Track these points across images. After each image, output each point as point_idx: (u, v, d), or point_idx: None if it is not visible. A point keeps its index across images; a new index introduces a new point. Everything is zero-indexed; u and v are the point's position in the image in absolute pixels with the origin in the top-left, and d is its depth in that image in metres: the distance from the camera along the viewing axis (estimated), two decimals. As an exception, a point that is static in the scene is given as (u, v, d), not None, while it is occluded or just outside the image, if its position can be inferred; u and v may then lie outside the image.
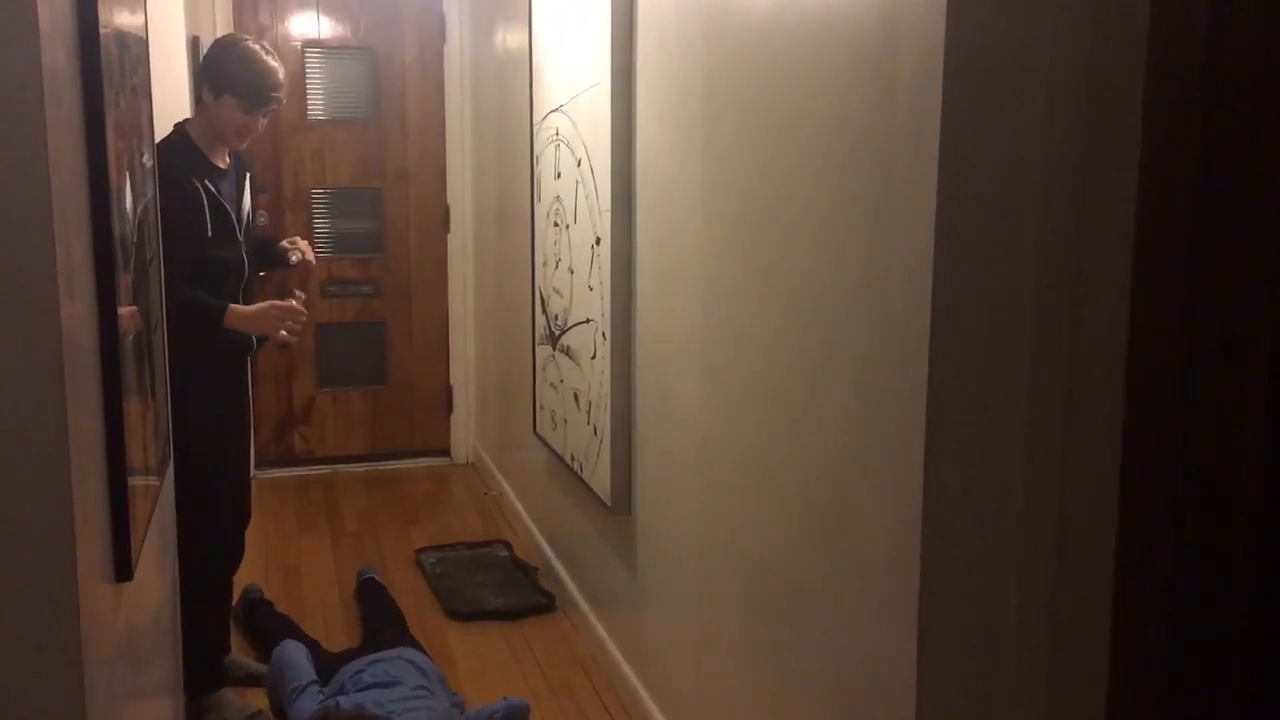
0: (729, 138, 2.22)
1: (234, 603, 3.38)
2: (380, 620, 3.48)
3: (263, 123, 2.98)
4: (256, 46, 2.94)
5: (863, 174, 1.70)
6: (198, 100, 2.99)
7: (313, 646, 3.15)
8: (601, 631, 3.32)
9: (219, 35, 4.69)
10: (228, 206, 2.92)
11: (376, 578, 3.82)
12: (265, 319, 2.94)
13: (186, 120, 3.02)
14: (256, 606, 3.55)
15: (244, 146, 3.05)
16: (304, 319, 3.03)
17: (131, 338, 1.75)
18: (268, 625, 3.42)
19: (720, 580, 2.39)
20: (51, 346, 1.29)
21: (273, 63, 2.93)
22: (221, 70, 2.88)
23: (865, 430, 1.73)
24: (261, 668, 3.19)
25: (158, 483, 2.10)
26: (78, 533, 1.34)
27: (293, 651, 2.99)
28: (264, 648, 3.25)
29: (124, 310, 1.65)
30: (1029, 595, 1.60)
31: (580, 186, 3.17)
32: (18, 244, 1.26)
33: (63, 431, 1.31)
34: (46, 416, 1.29)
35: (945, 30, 1.48)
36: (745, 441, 2.21)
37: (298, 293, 3.07)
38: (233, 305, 2.90)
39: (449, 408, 5.46)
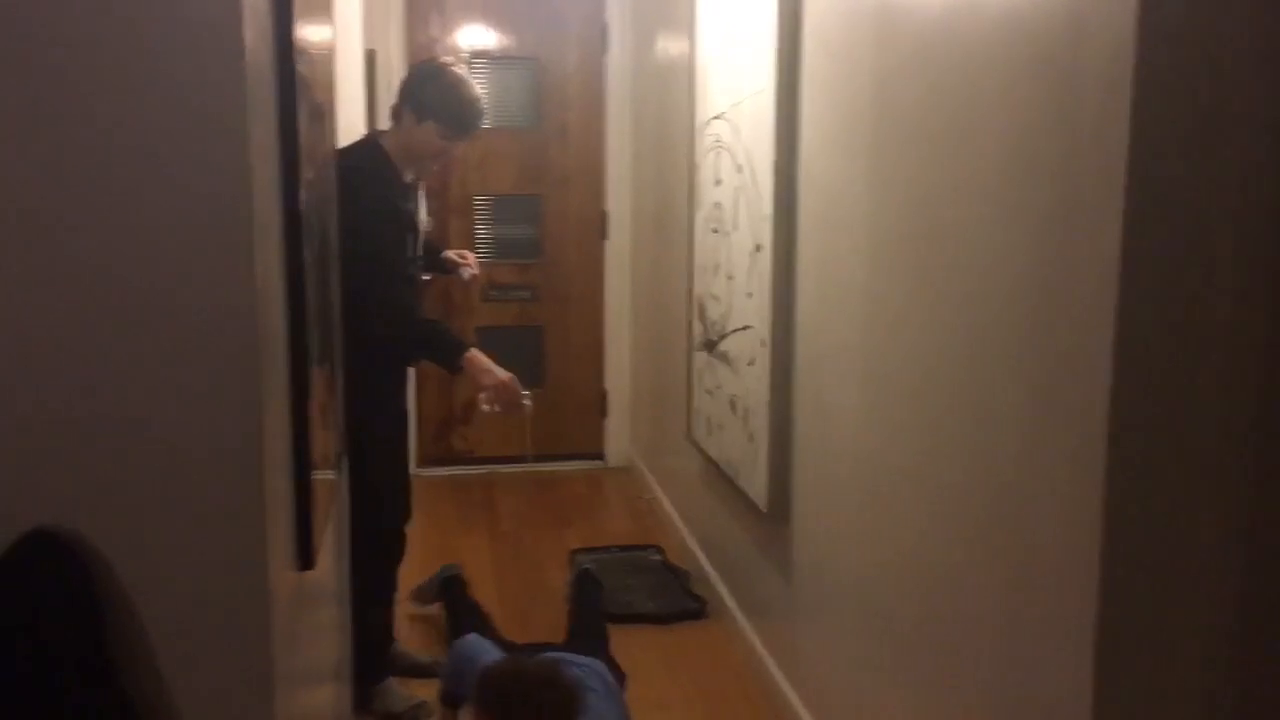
0: (898, 144, 2.19)
1: (433, 579, 3.53)
2: (587, 627, 3.40)
3: (458, 150, 3.02)
4: (461, 73, 2.94)
5: (1043, 184, 1.65)
6: (393, 118, 2.99)
7: (498, 641, 3.10)
8: (754, 640, 3.31)
9: (394, 49, 4.88)
10: (416, 222, 3.02)
11: (596, 574, 3.78)
12: (493, 379, 2.92)
13: (380, 133, 3.07)
14: (453, 584, 3.58)
15: (436, 169, 3.10)
16: (511, 411, 2.98)
17: (316, 338, 1.84)
18: (457, 606, 3.44)
19: (881, 594, 2.35)
20: (249, 351, 1.36)
21: (477, 91, 2.94)
22: (428, 96, 2.88)
23: (1041, 446, 1.68)
24: (425, 658, 3.29)
25: (334, 478, 2.19)
26: (268, 523, 1.42)
27: (476, 639, 2.95)
28: (453, 627, 3.26)
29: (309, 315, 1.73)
30: (1218, 626, 1.52)
31: (741, 193, 3.17)
32: (223, 255, 1.33)
33: (257, 428, 1.38)
34: (243, 414, 1.37)
35: (1136, 30, 1.42)
36: (911, 454, 2.17)
37: (530, 397, 3.01)
38: (474, 350, 2.94)
39: (603, 412, 5.53)
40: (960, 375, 1.95)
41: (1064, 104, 1.59)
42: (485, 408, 2.98)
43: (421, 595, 3.69)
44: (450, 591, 3.59)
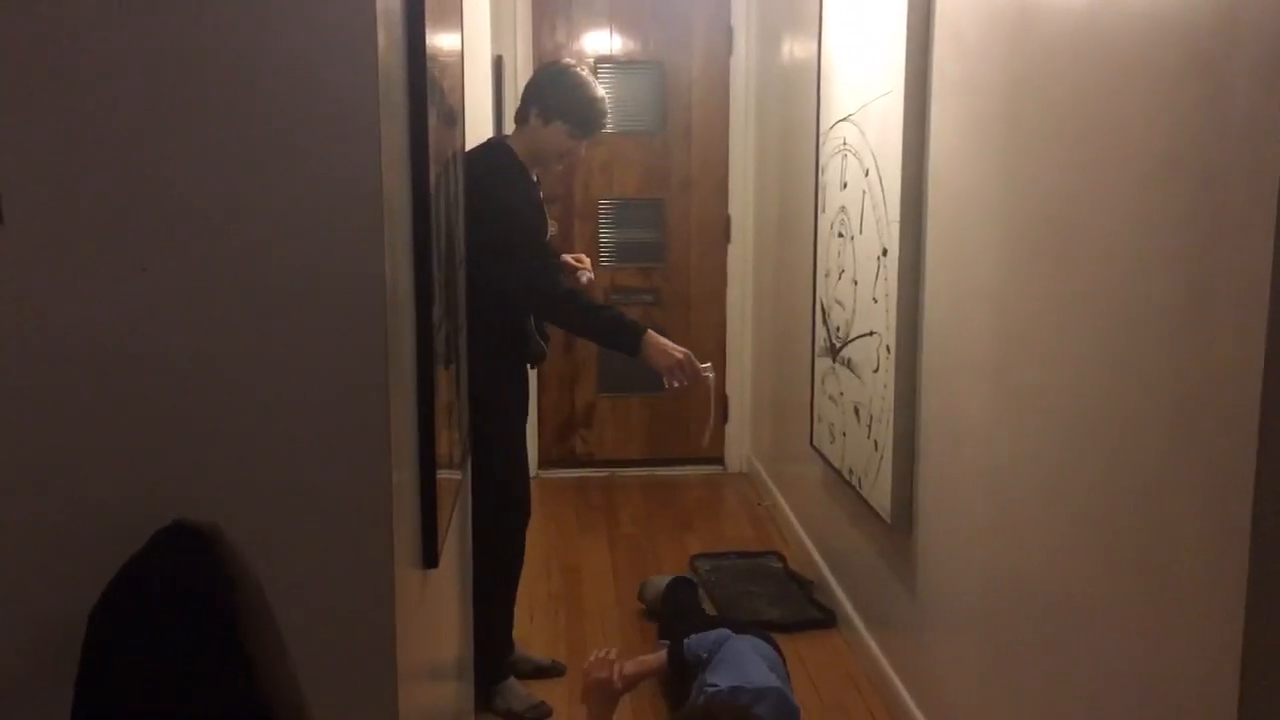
0: (1033, 145, 2.12)
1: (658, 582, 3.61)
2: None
3: (584, 149, 3.05)
4: (586, 74, 2.99)
5: (1190, 189, 1.58)
6: (518, 121, 3.04)
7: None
8: (877, 651, 3.25)
9: (520, 55, 4.95)
10: (546, 221, 3.06)
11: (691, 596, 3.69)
12: (670, 359, 2.97)
13: (507, 136, 3.13)
14: (683, 586, 3.56)
15: (559, 170, 3.15)
16: (695, 383, 3.03)
17: (442, 339, 1.87)
18: (686, 606, 3.46)
19: (1010, 607, 2.28)
20: (378, 351, 1.39)
21: (600, 90, 2.98)
22: (554, 96, 2.93)
23: (1186, 460, 1.60)
24: (545, 660, 3.32)
25: (458, 477, 2.22)
26: (395, 520, 1.44)
27: (742, 646, 2.85)
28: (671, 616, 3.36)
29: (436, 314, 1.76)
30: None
31: (867, 197, 3.12)
32: (355, 256, 1.36)
33: (385, 427, 1.40)
34: (372, 414, 1.40)
35: (1292, 25, 1.35)
36: (1044, 465, 2.10)
37: (711, 367, 3.08)
38: (651, 331, 2.99)
39: (724, 416, 5.50)
40: (1098, 385, 1.87)
41: (1214, 105, 1.52)
42: (675, 384, 3.02)
43: (644, 593, 3.75)
44: (679, 592, 3.56)
